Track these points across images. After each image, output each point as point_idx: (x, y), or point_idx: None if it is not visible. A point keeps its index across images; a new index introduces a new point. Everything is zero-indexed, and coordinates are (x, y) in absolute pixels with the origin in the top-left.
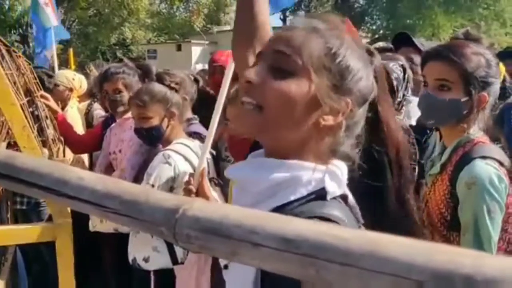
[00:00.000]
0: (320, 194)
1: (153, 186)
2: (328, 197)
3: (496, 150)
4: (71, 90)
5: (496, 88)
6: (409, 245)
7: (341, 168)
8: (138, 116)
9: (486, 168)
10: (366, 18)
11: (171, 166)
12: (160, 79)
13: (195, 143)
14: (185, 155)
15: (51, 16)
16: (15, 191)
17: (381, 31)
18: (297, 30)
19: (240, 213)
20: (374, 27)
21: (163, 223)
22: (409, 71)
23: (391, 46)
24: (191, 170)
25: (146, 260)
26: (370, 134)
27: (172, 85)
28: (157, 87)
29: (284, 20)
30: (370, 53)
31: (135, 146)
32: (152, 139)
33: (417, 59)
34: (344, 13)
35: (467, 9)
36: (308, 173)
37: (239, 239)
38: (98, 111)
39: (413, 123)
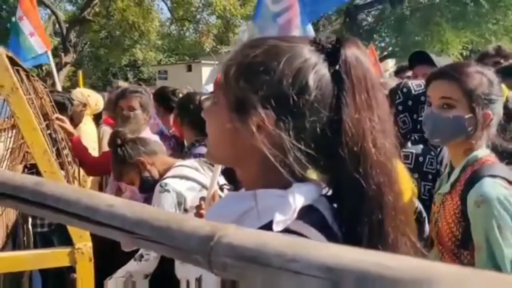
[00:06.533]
0: (269, 226)
1: None
2: (276, 228)
3: (504, 169)
4: (84, 105)
5: (499, 106)
6: (460, 273)
7: (293, 192)
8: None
9: (494, 186)
10: (374, 35)
11: (170, 192)
12: (116, 143)
13: (190, 160)
14: (186, 174)
15: (40, 45)
16: (43, 217)
17: (390, 48)
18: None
19: (278, 240)
20: (382, 44)
21: (198, 251)
22: None
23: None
24: (196, 186)
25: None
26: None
27: (128, 139)
28: (114, 157)
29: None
30: (316, 44)
31: None
32: (152, 189)
33: None
34: (352, 31)
35: (476, 25)
36: (261, 203)
37: (278, 267)
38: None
39: None
